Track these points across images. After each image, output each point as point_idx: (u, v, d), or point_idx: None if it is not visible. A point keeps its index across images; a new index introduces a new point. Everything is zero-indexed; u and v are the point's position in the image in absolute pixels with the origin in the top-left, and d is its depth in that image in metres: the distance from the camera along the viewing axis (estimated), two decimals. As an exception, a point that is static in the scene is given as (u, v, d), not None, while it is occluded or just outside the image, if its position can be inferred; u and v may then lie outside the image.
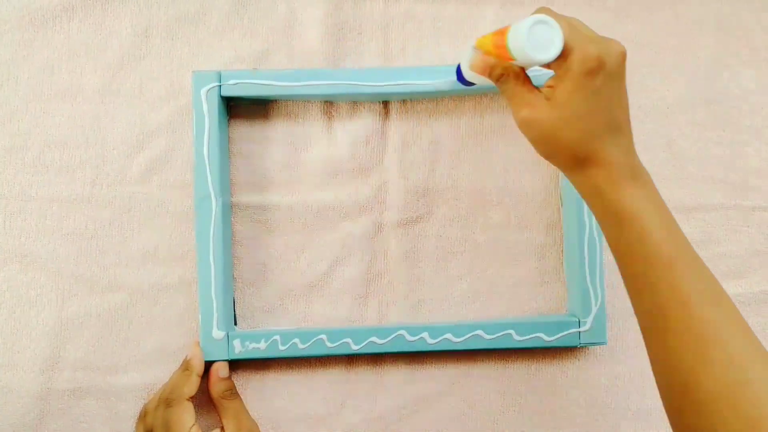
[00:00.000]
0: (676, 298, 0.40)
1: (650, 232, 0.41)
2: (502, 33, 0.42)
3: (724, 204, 0.60)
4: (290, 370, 0.58)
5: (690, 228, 0.59)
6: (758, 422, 0.37)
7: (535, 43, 0.40)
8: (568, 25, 0.41)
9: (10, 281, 0.57)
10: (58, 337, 0.57)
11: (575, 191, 0.56)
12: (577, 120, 0.42)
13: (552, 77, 0.43)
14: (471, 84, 0.50)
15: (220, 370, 0.54)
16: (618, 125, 0.43)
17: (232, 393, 0.55)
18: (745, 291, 0.59)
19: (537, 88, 0.44)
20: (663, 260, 0.41)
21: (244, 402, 0.56)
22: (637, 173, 0.43)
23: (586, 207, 0.56)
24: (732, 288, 0.59)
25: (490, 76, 0.45)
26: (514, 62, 0.43)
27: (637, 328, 0.59)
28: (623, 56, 0.42)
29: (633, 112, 0.57)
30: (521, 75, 0.44)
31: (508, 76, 0.44)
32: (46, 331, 0.57)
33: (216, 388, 0.54)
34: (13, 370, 0.56)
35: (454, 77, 0.53)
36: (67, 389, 0.57)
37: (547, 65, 0.42)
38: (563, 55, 0.41)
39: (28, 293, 0.57)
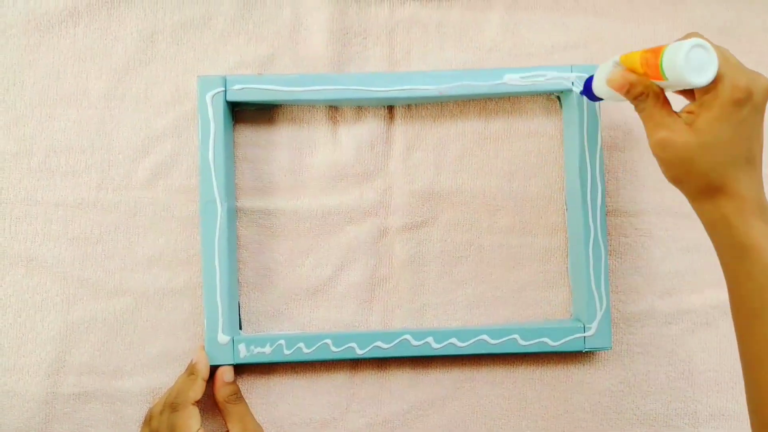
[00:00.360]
0: None
1: None
2: (655, 52, 0.43)
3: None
4: (295, 375, 0.58)
5: (695, 233, 0.59)
6: None
7: (692, 65, 0.41)
8: (721, 53, 0.42)
9: (15, 285, 0.57)
10: (64, 342, 0.57)
11: (580, 196, 0.56)
12: (717, 148, 0.42)
13: (693, 104, 0.44)
14: (597, 99, 0.51)
15: (225, 374, 0.54)
16: (753, 158, 0.43)
17: (237, 397, 0.55)
18: None
19: (676, 112, 0.44)
20: None
21: (250, 406, 0.56)
22: (765, 208, 0.43)
23: (590, 212, 0.56)
24: None
25: (628, 93, 0.45)
26: (659, 82, 0.43)
27: (642, 332, 0.60)
28: None
29: (637, 117, 0.57)
30: (661, 96, 0.45)
31: (648, 95, 0.44)
32: (52, 336, 0.57)
33: (221, 392, 0.54)
34: (18, 374, 0.57)
35: (458, 82, 0.53)
36: (72, 393, 0.57)
37: (691, 91, 0.43)
38: (713, 82, 0.41)
39: (34, 297, 0.57)
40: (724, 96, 0.41)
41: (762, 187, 0.44)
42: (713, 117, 0.42)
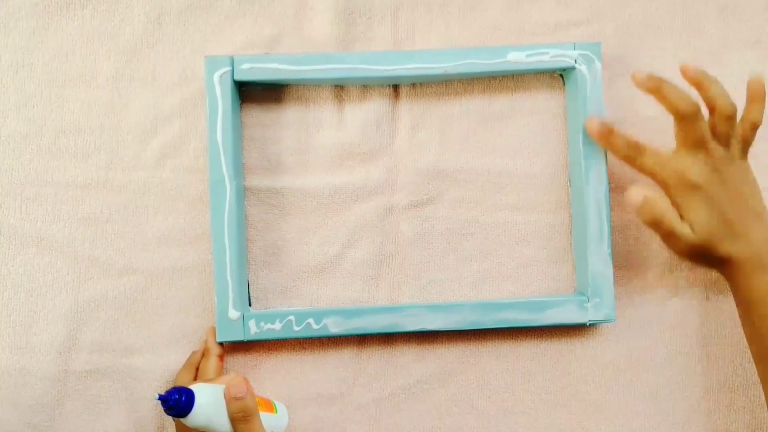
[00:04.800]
0: None
1: None
2: None
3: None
4: (302, 350, 0.59)
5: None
6: None
7: None
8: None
9: (27, 265, 0.58)
10: (75, 320, 0.58)
11: (583, 173, 0.57)
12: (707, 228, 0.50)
13: None
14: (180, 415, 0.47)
15: (233, 389, 0.48)
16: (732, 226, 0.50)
17: (246, 416, 0.49)
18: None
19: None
20: None
21: (258, 381, 0.57)
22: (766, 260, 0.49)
23: (594, 188, 0.56)
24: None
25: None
26: None
27: (645, 307, 0.60)
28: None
29: (641, 94, 0.58)
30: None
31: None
32: (63, 314, 0.58)
33: (230, 407, 0.48)
34: (30, 353, 0.57)
35: (463, 60, 0.54)
36: (83, 371, 0.58)
37: None
38: None
39: (45, 277, 0.58)
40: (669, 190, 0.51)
41: (764, 235, 0.50)
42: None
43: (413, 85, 0.60)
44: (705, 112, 0.51)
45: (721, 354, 0.60)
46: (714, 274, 0.60)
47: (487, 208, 0.60)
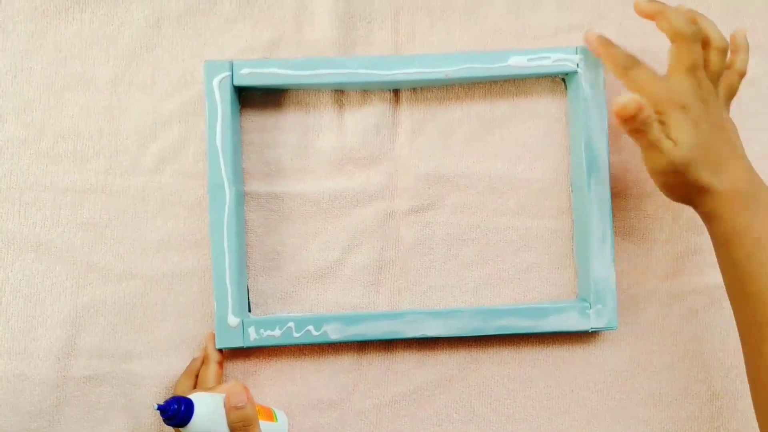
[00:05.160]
0: None
1: (757, 251, 0.46)
2: None
3: (734, 190, 0.60)
4: (302, 356, 0.58)
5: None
6: None
7: None
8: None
9: (25, 270, 0.58)
10: (74, 325, 0.57)
11: (585, 178, 0.56)
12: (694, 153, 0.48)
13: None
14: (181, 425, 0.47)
15: (233, 398, 0.48)
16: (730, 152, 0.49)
17: (245, 425, 0.48)
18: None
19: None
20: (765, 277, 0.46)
21: (258, 387, 0.57)
22: (751, 196, 0.47)
23: (596, 194, 0.56)
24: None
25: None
26: None
27: (647, 313, 0.60)
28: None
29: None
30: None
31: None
32: (62, 319, 0.57)
33: (230, 416, 0.48)
34: (29, 358, 0.57)
35: (463, 65, 0.54)
36: (82, 377, 0.57)
37: None
38: None
39: (44, 282, 0.58)
40: (660, 106, 0.48)
41: (742, 177, 0.48)
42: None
43: (414, 89, 0.59)
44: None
45: (723, 361, 0.60)
46: (719, 279, 0.60)
47: (488, 213, 0.59)
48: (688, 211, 0.60)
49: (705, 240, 0.60)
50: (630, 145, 0.60)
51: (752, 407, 0.60)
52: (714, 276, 0.60)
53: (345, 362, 0.59)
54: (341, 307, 0.59)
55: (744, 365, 0.58)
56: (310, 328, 0.56)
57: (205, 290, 0.58)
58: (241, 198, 0.58)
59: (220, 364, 0.56)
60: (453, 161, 0.59)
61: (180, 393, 0.53)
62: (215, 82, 0.55)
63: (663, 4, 0.50)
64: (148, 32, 0.58)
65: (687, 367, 0.60)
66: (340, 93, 0.59)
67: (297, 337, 0.56)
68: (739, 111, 0.60)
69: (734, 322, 0.59)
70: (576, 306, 0.57)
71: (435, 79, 0.57)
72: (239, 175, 0.57)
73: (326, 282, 0.59)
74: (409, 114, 0.59)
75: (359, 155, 0.59)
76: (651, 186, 0.59)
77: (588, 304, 0.57)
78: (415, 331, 0.56)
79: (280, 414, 0.55)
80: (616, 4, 0.60)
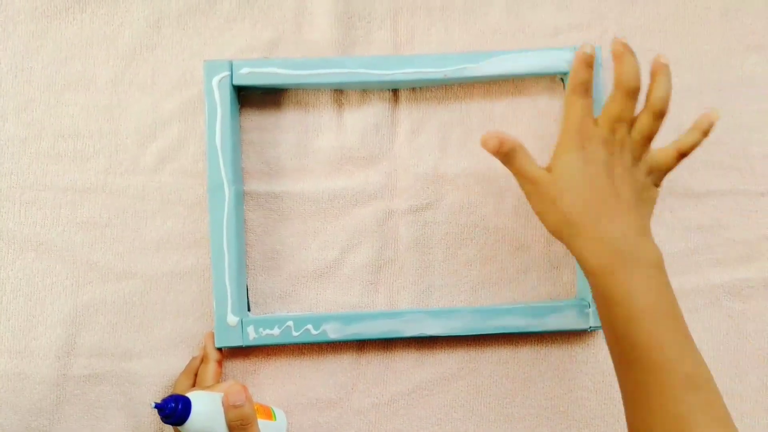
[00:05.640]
0: (657, 380, 0.42)
1: (637, 317, 0.44)
2: None
3: (733, 189, 0.60)
4: (302, 355, 0.59)
5: (699, 214, 0.60)
6: None
7: None
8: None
9: (25, 269, 0.58)
10: (74, 324, 0.58)
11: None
12: (571, 190, 0.47)
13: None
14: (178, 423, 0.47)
15: (231, 396, 0.48)
16: (616, 203, 0.47)
17: (244, 424, 0.48)
18: (756, 276, 0.60)
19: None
20: (644, 342, 0.43)
21: (257, 387, 0.57)
22: (628, 253, 0.45)
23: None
24: (742, 273, 0.60)
25: (498, 152, 0.48)
26: None
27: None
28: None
29: (640, 98, 0.57)
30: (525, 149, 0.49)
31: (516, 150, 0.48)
32: (62, 318, 0.58)
33: (229, 415, 0.48)
34: (29, 357, 0.57)
35: (463, 64, 0.53)
36: (82, 375, 0.57)
37: None
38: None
39: (44, 281, 0.58)
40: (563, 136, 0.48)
41: (631, 231, 0.46)
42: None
43: (413, 89, 0.59)
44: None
45: (722, 360, 0.60)
46: (718, 278, 0.60)
47: (486, 212, 0.59)
48: (686, 210, 0.60)
49: (704, 239, 0.60)
50: (629, 145, 0.60)
51: (750, 408, 0.60)
52: (713, 276, 0.60)
53: (344, 361, 0.59)
54: (340, 306, 0.59)
55: (742, 365, 0.59)
56: (309, 327, 0.56)
57: (205, 289, 0.58)
58: (241, 197, 0.58)
59: (219, 363, 0.56)
60: (452, 161, 0.59)
61: (179, 392, 0.53)
62: (215, 81, 0.55)
63: (629, 49, 0.48)
64: (148, 32, 0.59)
65: (686, 366, 0.60)
66: (339, 93, 0.59)
67: (296, 336, 0.56)
68: (738, 111, 0.60)
69: (733, 322, 0.60)
70: (575, 305, 0.57)
71: (434, 79, 0.57)
72: (239, 174, 0.58)
73: (325, 281, 0.59)
74: (409, 113, 0.59)
75: (358, 155, 0.59)
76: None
77: (587, 303, 0.57)
78: (414, 331, 0.56)
79: (278, 413, 0.55)
80: (615, 4, 0.60)
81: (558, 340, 0.59)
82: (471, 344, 0.59)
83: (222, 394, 0.49)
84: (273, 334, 0.56)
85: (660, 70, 0.49)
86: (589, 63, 0.48)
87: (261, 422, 0.51)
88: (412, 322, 0.56)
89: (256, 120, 0.59)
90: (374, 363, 0.59)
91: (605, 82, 0.58)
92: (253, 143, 0.59)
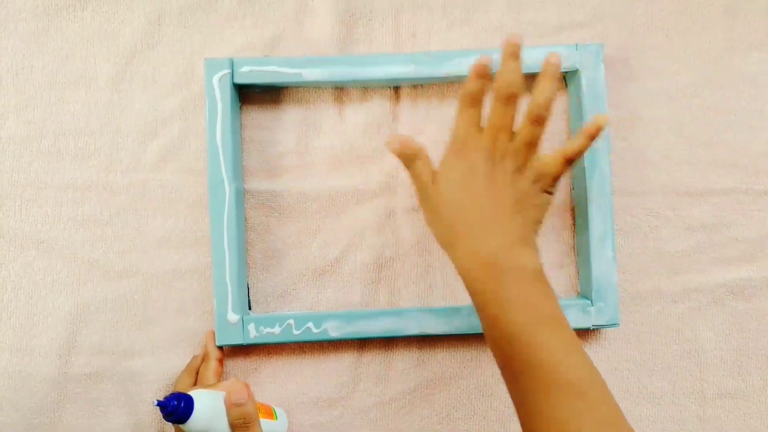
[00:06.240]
0: (540, 389, 0.42)
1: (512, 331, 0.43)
2: None
3: (736, 188, 0.60)
4: (303, 354, 0.58)
5: (701, 212, 0.60)
6: None
7: None
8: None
9: (26, 267, 0.58)
10: (75, 322, 0.58)
11: (586, 176, 0.56)
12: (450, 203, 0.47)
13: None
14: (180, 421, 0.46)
15: (233, 395, 0.48)
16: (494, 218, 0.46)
17: (246, 422, 0.48)
18: (757, 275, 0.59)
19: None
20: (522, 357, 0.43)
21: (258, 385, 0.57)
22: (507, 269, 0.44)
23: (597, 191, 0.56)
24: (744, 272, 0.59)
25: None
26: None
27: (649, 311, 0.60)
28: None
29: (644, 96, 0.57)
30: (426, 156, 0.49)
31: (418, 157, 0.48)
32: (63, 316, 0.57)
33: (230, 414, 0.48)
34: (30, 355, 0.57)
35: (464, 62, 0.52)
36: (83, 373, 0.57)
37: None
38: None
39: (45, 279, 0.58)
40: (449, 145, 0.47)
41: (508, 241, 0.45)
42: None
43: (414, 87, 0.59)
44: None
45: (725, 359, 0.59)
46: (721, 277, 0.59)
47: (488, 211, 0.59)
48: (689, 209, 0.59)
49: (707, 238, 0.60)
50: (631, 142, 0.60)
51: (754, 406, 0.60)
52: (716, 274, 0.59)
53: (345, 360, 0.59)
54: (341, 304, 0.59)
55: (744, 364, 0.58)
56: (310, 325, 0.56)
57: (206, 287, 0.58)
58: (242, 195, 0.58)
59: (220, 361, 0.56)
60: (453, 159, 0.59)
61: (180, 390, 0.53)
62: (215, 79, 0.55)
63: (518, 54, 0.46)
64: (149, 30, 0.59)
65: (688, 365, 0.59)
66: (340, 90, 0.59)
67: (297, 334, 0.55)
68: (740, 110, 0.60)
69: (736, 321, 0.60)
70: (577, 303, 0.56)
71: (435, 77, 0.56)
72: (239, 172, 0.57)
73: (326, 279, 0.59)
74: (410, 111, 0.59)
75: (359, 153, 0.59)
76: (652, 183, 0.59)
77: (589, 302, 0.56)
78: (415, 329, 0.56)
79: (279, 412, 0.55)
80: (617, 2, 0.60)
81: (560, 339, 0.59)
82: (472, 343, 0.59)
83: (224, 392, 0.48)
84: (274, 333, 0.55)
85: (545, 73, 0.47)
86: (481, 74, 0.46)
87: (262, 421, 0.50)
88: (413, 321, 0.56)
89: (257, 118, 0.59)
90: (375, 362, 0.59)
91: (607, 81, 0.58)
92: (254, 141, 0.59)
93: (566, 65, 0.56)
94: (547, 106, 0.46)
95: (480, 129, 0.47)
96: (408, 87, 0.59)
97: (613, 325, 0.56)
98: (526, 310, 0.43)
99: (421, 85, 0.59)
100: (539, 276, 0.45)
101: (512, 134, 0.47)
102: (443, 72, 0.56)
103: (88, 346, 0.58)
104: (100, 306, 0.58)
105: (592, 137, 0.47)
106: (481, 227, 0.45)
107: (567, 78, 0.59)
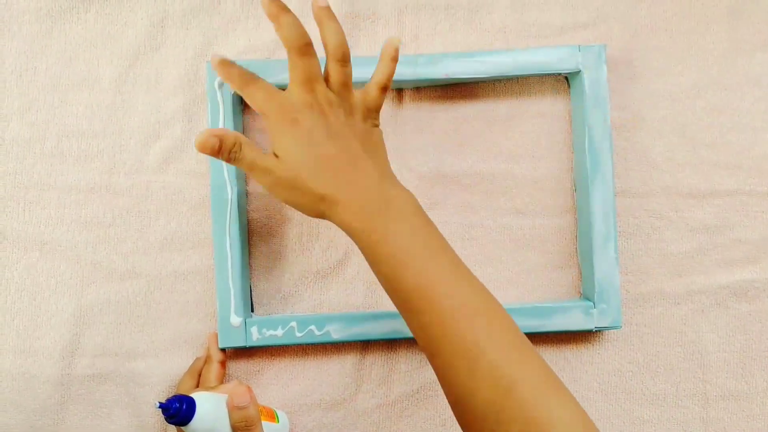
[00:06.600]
0: (438, 319, 0.42)
1: (397, 267, 0.43)
2: None
3: (739, 189, 0.60)
4: (305, 356, 0.58)
5: (704, 213, 0.59)
6: (528, 425, 0.39)
7: None
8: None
9: (30, 269, 0.58)
10: (78, 324, 0.58)
11: (589, 177, 0.56)
12: (300, 166, 0.45)
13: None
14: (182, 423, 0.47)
15: (236, 398, 0.48)
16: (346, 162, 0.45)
17: (248, 426, 0.48)
18: (761, 277, 0.59)
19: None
20: (412, 288, 0.43)
21: (262, 386, 0.57)
22: (382, 205, 0.44)
23: (600, 193, 0.56)
24: (747, 274, 0.59)
25: (219, 151, 0.45)
26: None
27: (652, 313, 0.60)
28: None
29: (647, 97, 0.57)
30: (251, 142, 0.46)
31: (240, 145, 0.45)
32: (66, 318, 0.58)
33: (233, 416, 0.48)
34: (33, 357, 0.57)
35: (467, 64, 0.52)
36: (86, 375, 0.58)
37: None
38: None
39: (48, 281, 0.58)
40: (270, 122, 0.45)
41: (373, 182, 0.45)
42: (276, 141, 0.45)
43: (417, 88, 0.59)
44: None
45: (728, 361, 0.59)
46: (724, 279, 0.59)
47: (491, 212, 0.59)
48: (692, 210, 0.59)
49: (710, 239, 0.59)
50: (634, 144, 0.59)
51: (757, 408, 0.60)
52: (719, 276, 0.59)
53: (348, 362, 0.59)
54: (344, 306, 0.59)
55: (748, 366, 0.58)
56: (313, 327, 0.56)
57: (208, 290, 0.58)
58: (244, 198, 0.58)
59: (223, 363, 0.56)
60: (456, 160, 0.59)
61: (182, 392, 0.53)
62: (218, 82, 0.55)
63: (284, 8, 0.45)
64: (151, 32, 0.59)
65: (691, 367, 0.59)
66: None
67: (299, 336, 0.56)
68: (744, 111, 0.60)
69: (739, 323, 0.59)
70: (580, 305, 0.56)
71: (438, 78, 0.56)
72: (242, 174, 0.57)
73: (329, 282, 0.59)
74: (413, 113, 0.59)
75: (362, 154, 0.59)
76: (655, 185, 0.59)
77: (592, 304, 0.56)
78: (418, 331, 0.56)
79: (281, 415, 0.55)
80: (621, 3, 0.60)
81: (563, 341, 0.59)
82: (475, 345, 0.59)
83: (226, 395, 0.48)
84: (276, 335, 0.55)
85: (322, 17, 0.46)
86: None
87: (264, 424, 0.50)
88: (415, 323, 0.56)
89: (259, 120, 0.59)
90: (378, 364, 0.59)
91: (610, 82, 0.58)
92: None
93: (569, 66, 0.56)
94: (343, 43, 0.46)
95: (283, 93, 0.46)
96: (411, 89, 0.59)
97: (616, 327, 0.56)
98: (411, 243, 0.44)
99: (424, 87, 0.59)
100: (415, 206, 0.46)
101: (325, 82, 0.46)
102: (446, 73, 0.56)
103: (92, 348, 0.58)
104: (103, 308, 0.58)
105: (394, 59, 0.47)
106: (344, 178, 0.45)
107: (569, 79, 0.59)
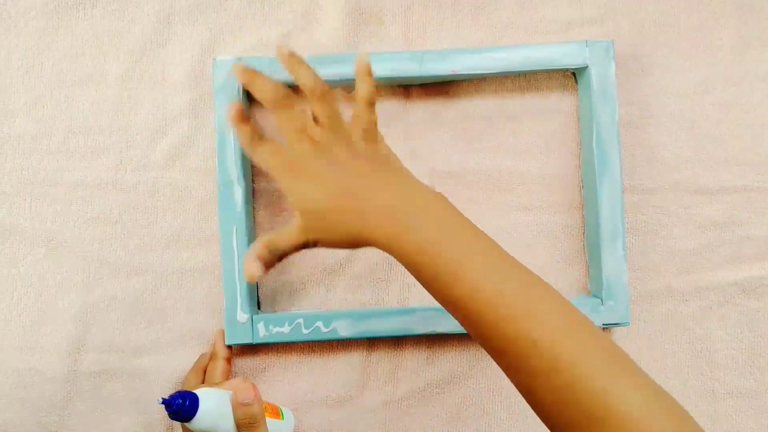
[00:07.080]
0: (480, 323, 0.43)
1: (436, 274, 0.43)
2: None
3: (748, 186, 0.59)
4: (312, 353, 0.58)
5: (713, 210, 0.59)
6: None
7: None
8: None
9: (36, 265, 0.58)
10: (84, 320, 0.58)
11: (596, 174, 0.56)
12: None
13: None
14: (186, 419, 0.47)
15: (240, 394, 0.48)
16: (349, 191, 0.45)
17: (252, 422, 0.48)
18: (769, 273, 0.59)
19: None
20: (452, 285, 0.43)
21: (268, 383, 0.57)
22: (411, 214, 0.44)
23: (607, 189, 0.56)
24: (756, 270, 0.59)
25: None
26: None
27: (660, 310, 0.60)
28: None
29: (655, 93, 0.57)
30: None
31: None
32: (73, 314, 0.58)
33: (237, 413, 0.48)
34: (40, 353, 0.57)
35: (474, 60, 0.52)
36: (93, 371, 0.58)
37: None
38: None
39: (55, 277, 0.58)
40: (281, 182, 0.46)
41: (406, 192, 0.45)
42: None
43: (424, 85, 0.59)
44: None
45: (736, 358, 0.59)
46: (732, 276, 0.59)
47: (498, 209, 0.59)
48: (700, 207, 0.59)
49: (718, 236, 0.59)
50: (641, 140, 0.59)
51: (766, 405, 0.59)
52: (727, 273, 0.59)
53: (354, 359, 0.58)
54: (351, 303, 0.59)
55: (756, 363, 0.58)
56: (320, 324, 0.55)
57: (215, 286, 0.58)
58: (250, 194, 0.58)
59: (228, 360, 0.56)
60: (463, 157, 0.59)
61: (188, 388, 0.53)
62: (225, 78, 0.55)
63: (253, 71, 0.46)
64: (158, 28, 0.59)
65: (699, 364, 0.59)
66: (349, 89, 0.59)
67: (306, 333, 0.55)
68: (753, 107, 0.60)
69: (747, 320, 0.59)
70: (587, 302, 0.56)
71: (445, 75, 0.56)
72: (249, 171, 0.57)
73: (336, 278, 0.59)
74: (420, 109, 0.59)
75: (369, 151, 0.59)
76: (663, 181, 0.59)
77: (599, 300, 0.56)
78: (425, 328, 0.56)
79: (286, 412, 0.55)
80: (626, 3, 0.59)
81: (570, 338, 0.59)
82: (482, 342, 0.59)
83: (230, 391, 0.48)
84: (283, 332, 0.55)
85: (292, 63, 0.47)
86: (237, 118, 0.47)
87: (269, 421, 0.50)
88: (423, 320, 0.56)
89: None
90: (385, 361, 0.59)
91: (617, 78, 0.57)
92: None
93: (576, 62, 0.56)
94: (319, 82, 0.46)
95: (278, 144, 0.47)
96: (418, 85, 0.59)
97: (624, 323, 0.56)
98: (447, 231, 0.44)
99: (431, 84, 0.59)
100: (444, 200, 0.45)
101: (312, 121, 0.46)
102: (453, 70, 0.56)
103: (98, 344, 0.58)
104: (109, 304, 0.58)
105: (369, 73, 0.46)
106: (372, 204, 0.44)
107: (577, 75, 0.59)
